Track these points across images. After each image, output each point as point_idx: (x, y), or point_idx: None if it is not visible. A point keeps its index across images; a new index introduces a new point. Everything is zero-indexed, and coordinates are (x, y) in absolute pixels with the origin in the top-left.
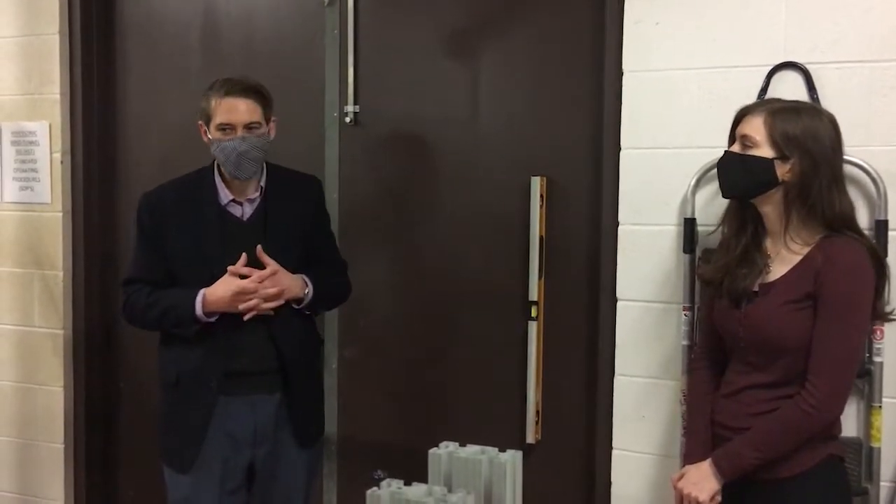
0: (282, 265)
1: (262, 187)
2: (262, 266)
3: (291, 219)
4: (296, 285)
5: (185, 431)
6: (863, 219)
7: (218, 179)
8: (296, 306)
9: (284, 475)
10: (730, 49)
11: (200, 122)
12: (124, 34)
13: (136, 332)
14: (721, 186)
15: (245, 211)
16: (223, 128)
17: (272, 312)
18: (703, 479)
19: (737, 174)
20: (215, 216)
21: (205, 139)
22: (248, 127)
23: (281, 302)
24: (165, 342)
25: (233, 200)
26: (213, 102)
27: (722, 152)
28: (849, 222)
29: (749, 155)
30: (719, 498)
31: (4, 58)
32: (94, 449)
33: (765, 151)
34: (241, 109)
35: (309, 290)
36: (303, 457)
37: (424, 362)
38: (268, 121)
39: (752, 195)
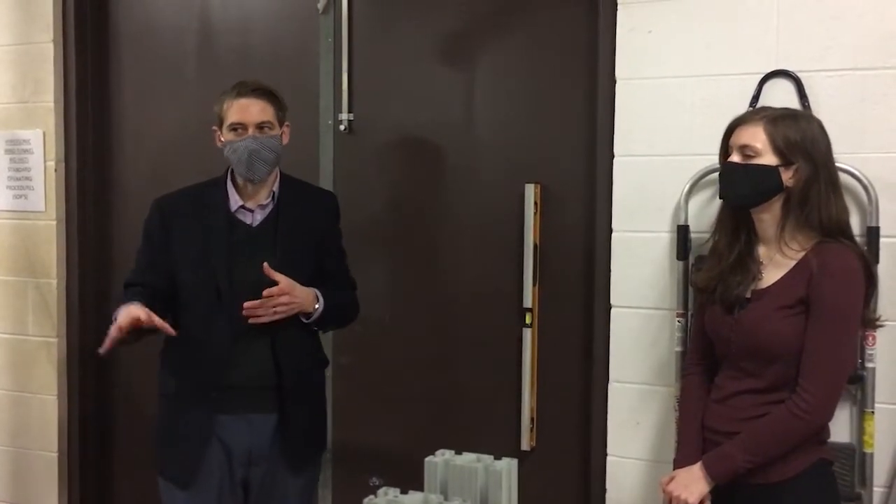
0: (290, 274)
1: (273, 193)
2: (270, 281)
3: (303, 229)
4: (308, 299)
5: (185, 444)
6: (854, 226)
7: (230, 186)
8: (304, 320)
9: (280, 496)
10: (722, 57)
11: (214, 128)
12: (118, 42)
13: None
14: (726, 198)
15: (255, 217)
16: (235, 128)
17: (264, 318)
18: (692, 482)
19: (742, 184)
20: (223, 222)
21: (218, 144)
22: (260, 127)
23: (291, 313)
24: (165, 350)
25: (242, 207)
26: (225, 105)
27: (715, 159)
28: (843, 228)
29: (753, 164)
30: (708, 502)
31: None
32: (89, 458)
33: (768, 159)
34: (252, 109)
35: (319, 304)
36: (298, 481)
37: (419, 369)
38: (280, 123)
39: (758, 204)
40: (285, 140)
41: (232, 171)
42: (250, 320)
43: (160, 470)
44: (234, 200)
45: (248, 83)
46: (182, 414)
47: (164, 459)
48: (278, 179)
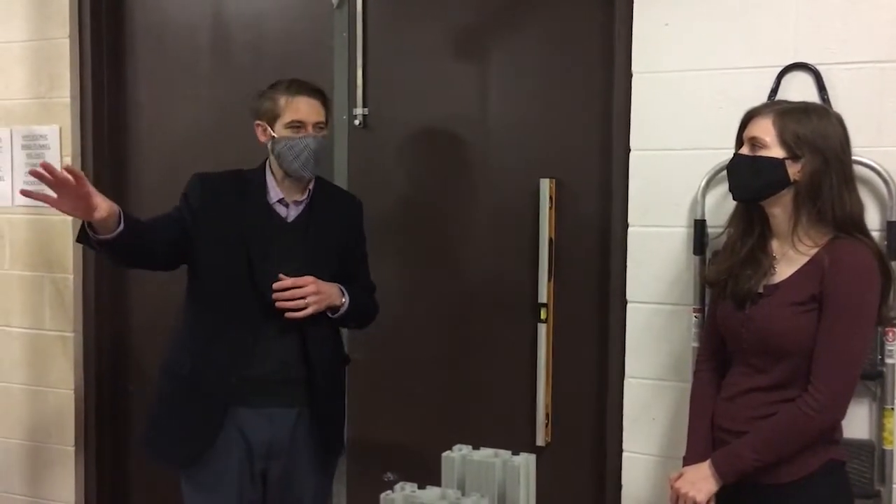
0: (318, 271)
1: (309, 191)
2: (298, 274)
3: (332, 229)
4: (334, 293)
5: (196, 428)
6: (874, 220)
7: (270, 178)
8: (330, 315)
9: (297, 491)
10: (740, 50)
11: (259, 123)
12: (134, 37)
13: (146, 334)
14: (732, 189)
15: (290, 213)
16: (295, 125)
17: (303, 313)
18: (700, 480)
19: (748, 176)
20: (261, 213)
21: (262, 139)
22: (317, 126)
23: (321, 308)
24: (186, 331)
25: (279, 201)
26: (281, 101)
27: (732, 153)
28: (857, 223)
29: (759, 156)
30: (713, 501)
31: (15, 62)
32: (105, 451)
33: (775, 152)
34: (313, 109)
35: (346, 298)
36: (318, 476)
37: (434, 364)
38: (327, 123)
39: (764, 196)
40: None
41: (268, 164)
42: (287, 314)
43: (160, 455)
44: (275, 192)
45: (304, 82)
46: (195, 396)
47: (165, 441)
48: (313, 178)
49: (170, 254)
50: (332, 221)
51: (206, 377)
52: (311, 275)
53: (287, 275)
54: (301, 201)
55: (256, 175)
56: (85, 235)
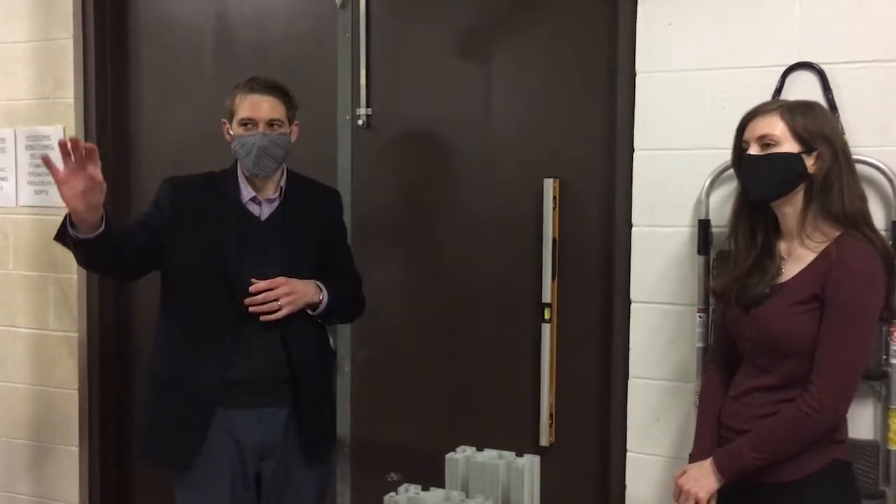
0: (295, 268)
1: (281, 188)
2: (275, 275)
3: (308, 224)
4: (310, 290)
5: (185, 431)
6: (879, 220)
7: (241, 177)
8: (311, 312)
9: (293, 493)
10: (744, 49)
11: (224, 121)
12: (137, 38)
13: (150, 335)
14: (749, 191)
15: (263, 211)
16: (245, 123)
17: (277, 314)
18: (703, 477)
19: (766, 175)
20: (234, 213)
21: (227, 137)
22: (270, 124)
23: (298, 307)
24: (164, 336)
25: (252, 199)
26: (237, 99)
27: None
28: (865, 216)
29: (775, 153)
30: (714, 501)
31: (19, 62)
32: (109, 451)
33: (789, 147)
34: (263, 106)
35: (324, 295)
36: (312, 474)
37: (437, 365)
38: (290, 122)
39: (782, 194)
40: (293, 138)
41: (238, 164)
42: (262, 318)
43: (156, 459)
44: (247, 192)
45: (261, 79)
46: (180, 401)
47: (160, 447)
48: (285, 175)
49: (141, 261)
50: (307, 217)
51: (189, 381)
52: (287, 273)
53: (262, 274)
54: (273, 199)
55: (228, 175)
56: (63, 234)
